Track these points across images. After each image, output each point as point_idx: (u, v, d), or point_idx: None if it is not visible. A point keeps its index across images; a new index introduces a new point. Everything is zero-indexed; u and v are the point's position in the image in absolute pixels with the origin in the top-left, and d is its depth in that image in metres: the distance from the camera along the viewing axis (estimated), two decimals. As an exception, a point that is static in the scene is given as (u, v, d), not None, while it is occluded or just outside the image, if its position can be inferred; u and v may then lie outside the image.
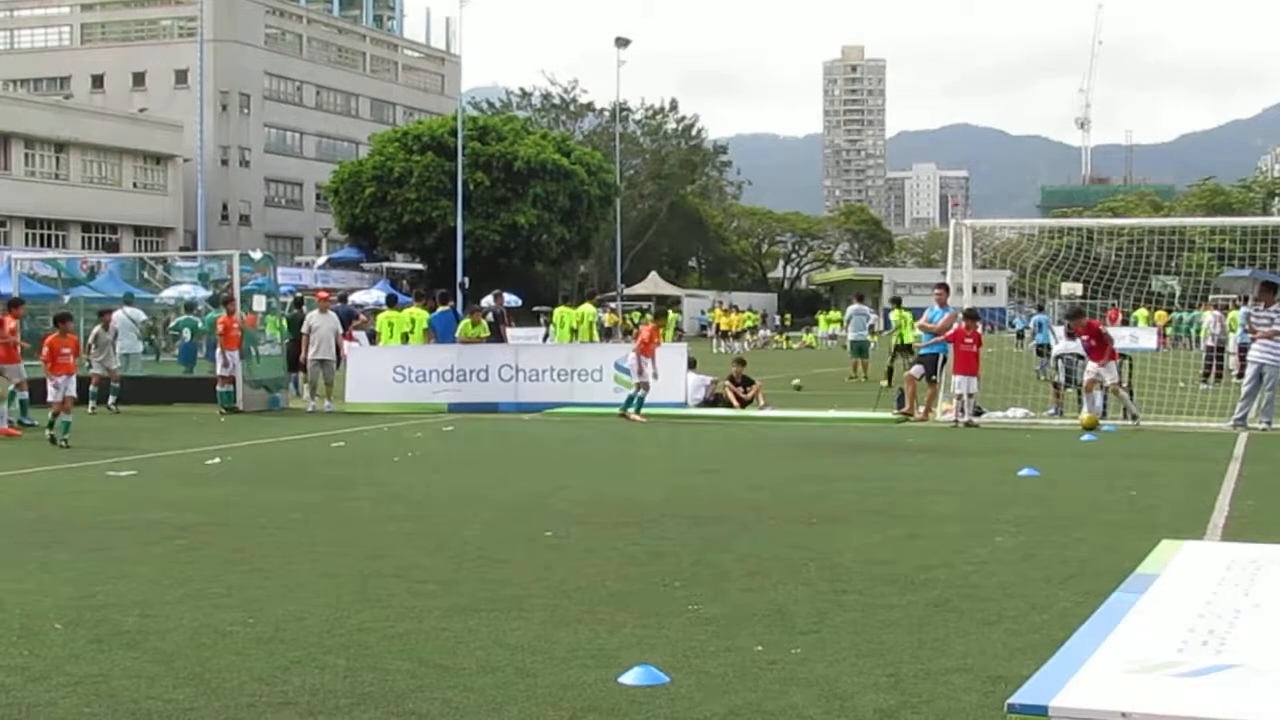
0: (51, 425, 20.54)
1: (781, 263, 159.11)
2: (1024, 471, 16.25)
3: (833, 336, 69.37)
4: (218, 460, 18.42)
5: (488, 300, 47.09)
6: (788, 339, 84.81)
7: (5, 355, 23.35)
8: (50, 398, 20.72)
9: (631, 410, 24.48)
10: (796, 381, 34.81)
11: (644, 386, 24.73)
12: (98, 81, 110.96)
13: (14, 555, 11.07)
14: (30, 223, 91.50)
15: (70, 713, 6.68)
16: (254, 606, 9.01)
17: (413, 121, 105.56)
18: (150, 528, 12.42)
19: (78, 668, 7.50)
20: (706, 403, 26.93)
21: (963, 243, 26.53)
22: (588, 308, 47.23)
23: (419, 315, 29.88)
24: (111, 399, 27.01)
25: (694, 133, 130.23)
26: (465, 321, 29.50)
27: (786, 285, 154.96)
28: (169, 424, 23.68)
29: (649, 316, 29.52)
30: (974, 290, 27.68)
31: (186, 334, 34.28)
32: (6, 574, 10.21)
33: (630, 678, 7.16)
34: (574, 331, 42.73)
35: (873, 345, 42.33)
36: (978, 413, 23.59)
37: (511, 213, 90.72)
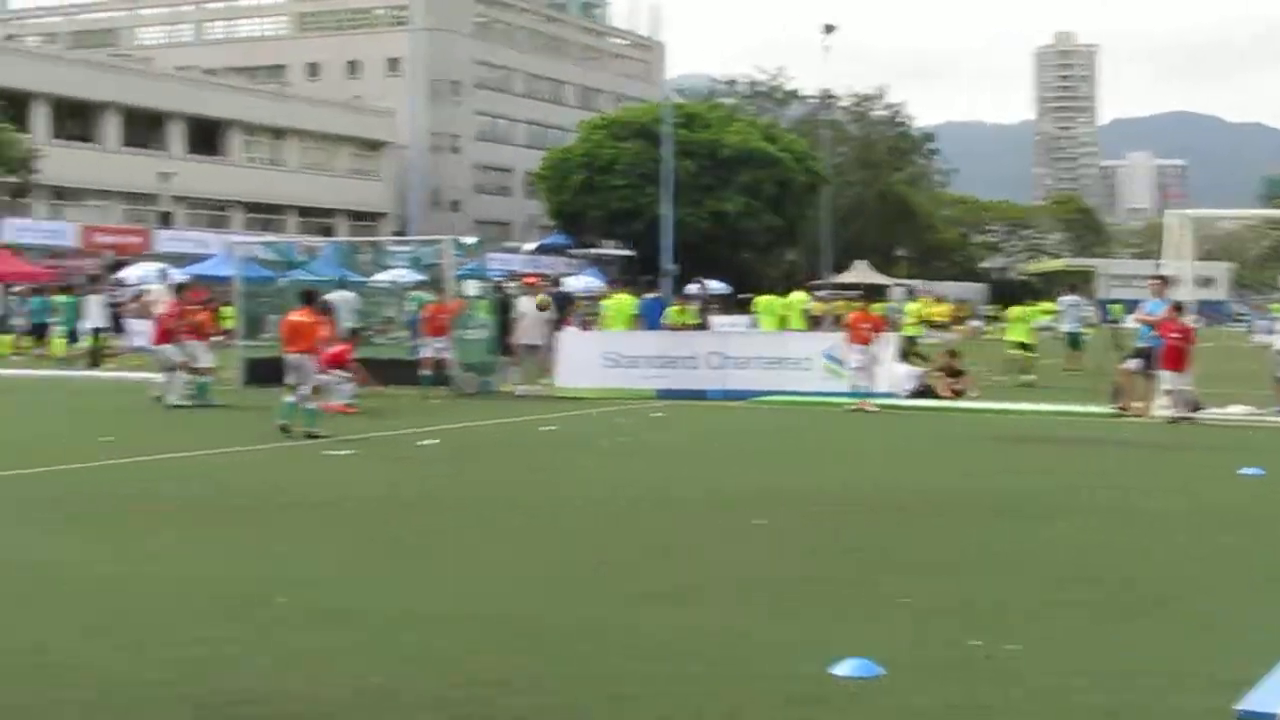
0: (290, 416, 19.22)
1: (992, 252, 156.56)
2: (1246, 470, 15.75)
3: (1046, 329, 67.92)
4: (431, 442, 18.72)
5: (694, 287, 47.18)
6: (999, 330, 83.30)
7: (192, 332, 24.14)
8: (295, 380, 19.33)
9: (862, 401, 24.11)
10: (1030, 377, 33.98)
11: (863, 375, 24.39)
12: (313, 70, 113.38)
13: (234, 530, 11.37)
14: (249, 207, 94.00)
15: (294, 685, 6.83)
16: (456, 588, 9.14)
17: (620, 109, 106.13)
18: (364, 506, 12.67)
19: (297, 641, 7.67)
20: (916, 394, 26.61)
21: (1180, 233, 25.83)
22: (798, 295, 46.97)
23: (626, 301, 30.03)
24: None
25: (901, 120, 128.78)
26: (673, 308, 29.56)
27: (996, 275, 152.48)
28: (383, 405, 24.09)
29: (856, 305, 29.34)
30: (1192, 283, 26.91)
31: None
32: (229, 549, 10.49)
33: (844, 669, 7.09)
34: (783, 319, 42.53)
35: (1087, 338, 41.43)
36: (1195, 408, 22.94)
37: (718, 200, 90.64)
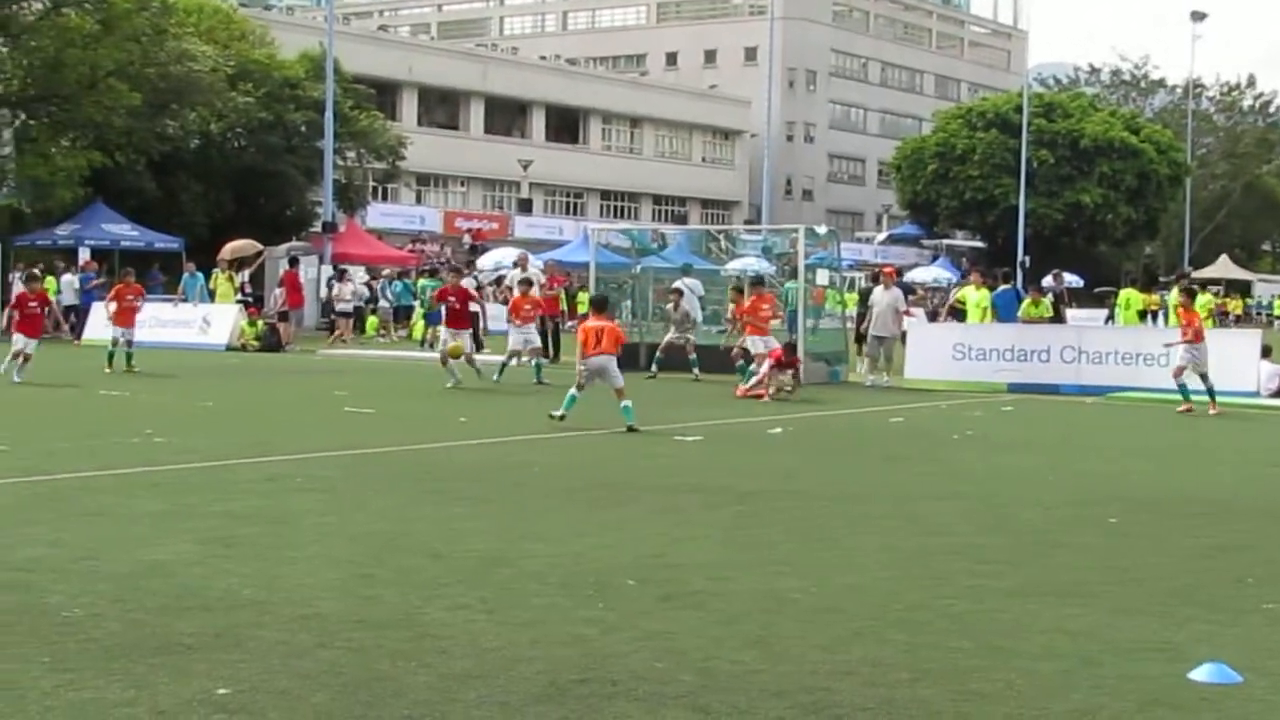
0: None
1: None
2: None
3: None
4: (780, 430, 18.81)
5: (1048, 280, 46.17)
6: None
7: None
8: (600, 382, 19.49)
9: (1188, 401, 23.00)
10: None
11: (1185, 373, 22.95)
12: (671, 59, 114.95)
13: (591, 512, 11.64)
14: (605, 194, 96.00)
15: (641, 666, 6.95)
16: (815, 575, 9.15)
17: (977, 98, 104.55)
18: (716, 492, 12.82)
19: (648, 623, 7.80)
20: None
21: None
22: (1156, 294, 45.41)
23: (981, 294, 29.59)
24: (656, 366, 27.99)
25: (1272, 110, 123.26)
26: (1027, 301, 29.02)
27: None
28: (728, 394, 24.24)
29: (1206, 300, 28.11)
30: None
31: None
32: (584, 530, 10.75)
33: (1200, 674, 6.86)
34: (1141, 315, 41.20)
35: None
36: None
37: (1075, 191, 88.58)
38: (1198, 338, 22.38)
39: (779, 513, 11.71)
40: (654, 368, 27.83)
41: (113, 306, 27.61)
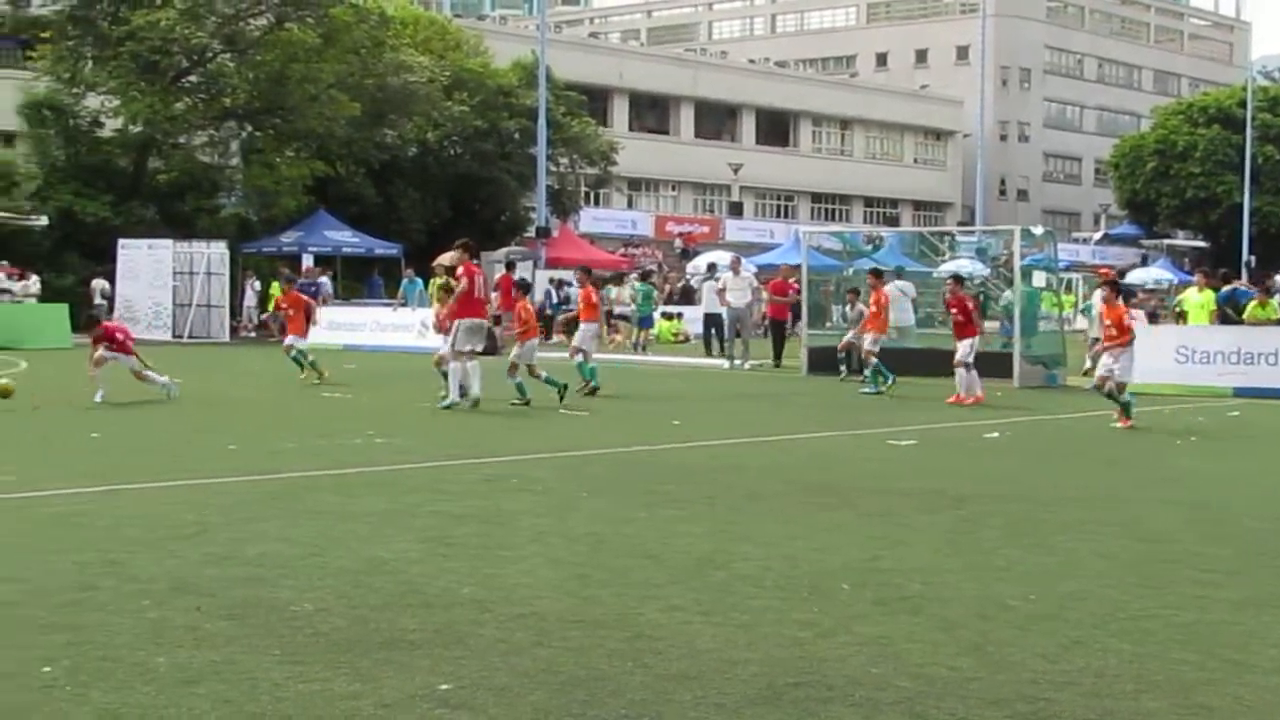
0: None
1: None
2: None
3: None
4: (996, 434, 18.55)
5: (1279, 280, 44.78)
6: None
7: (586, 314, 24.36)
8: None
9: None
10: None
11: None
12: (881, 59, 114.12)
13: (805, 515, 11.62)
14: (815, 197, 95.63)
15: (857, 670, 6.92)
16: (1034, 582, 9.01)
17: (1198, 93, 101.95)
18: (931, 496, 12.69)
19: (863, 628, 7.76)
20: None
21: None
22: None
23: (1205, 296, 28.82)
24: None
25: None
26: (1253, 303, 28.18)
27: None
28: (943, 395, 23.95)
29: None
30: None
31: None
32: (797, 533, 10.72)
33: None
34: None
35: None
36: None
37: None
38: None
39: (996, 517, 11.55)
40: (842, 370, 27.54)
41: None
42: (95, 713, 6.12)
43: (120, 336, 21.59)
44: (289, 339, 26.05)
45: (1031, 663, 7.09)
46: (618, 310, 43.17)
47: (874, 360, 24.92)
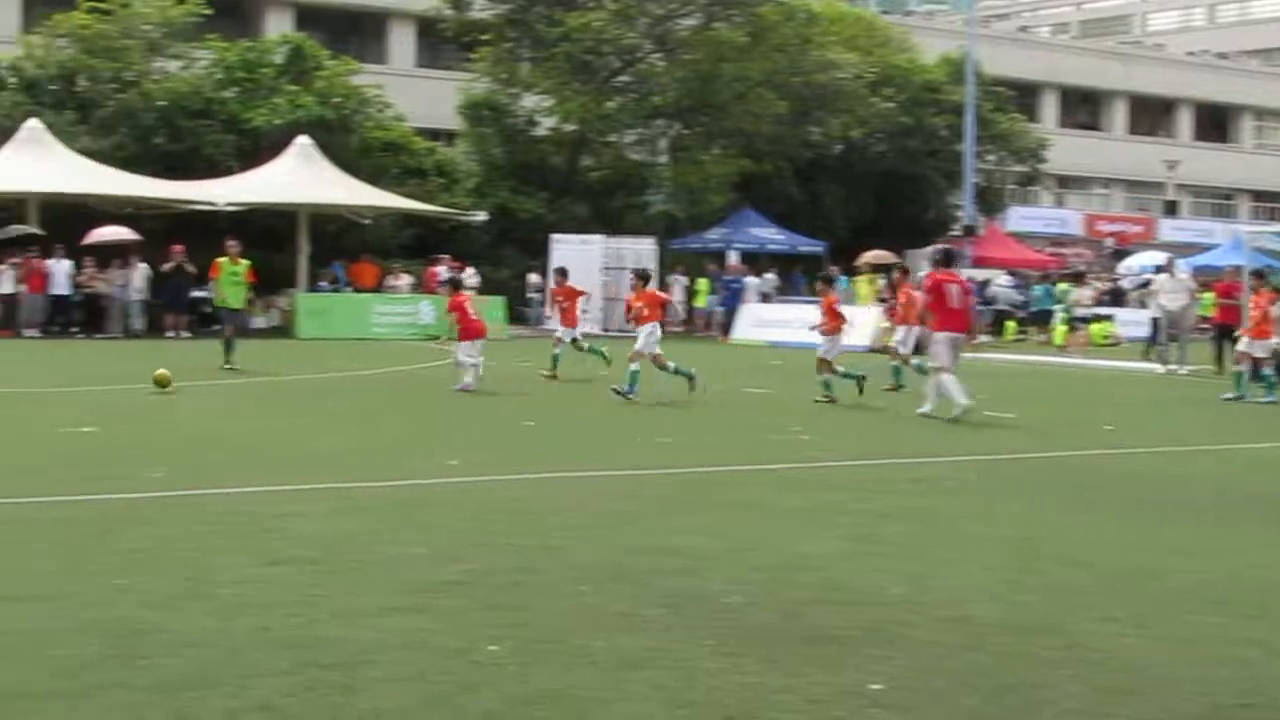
0: None
1: None
2: None
3: None
4: None
5: None
6: None
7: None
8: None
9: None
10: None
11: None
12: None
13: (1244, 528, 11.13)
14: (1257, 195, 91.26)
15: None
16: None
17: None
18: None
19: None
20: None
21: None
22: None
23: None
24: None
25: None
26: None
27: None
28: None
29: None
30: None
31: None
32: (1239, 546, 10.28)
33: None
34: None
35: None
36: None
37: None
38: None
39: None
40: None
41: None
42: (538, 692, 6.36)
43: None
44: (559, 331, 25.53)
45: None
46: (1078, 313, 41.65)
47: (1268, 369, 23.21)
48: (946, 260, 20.76)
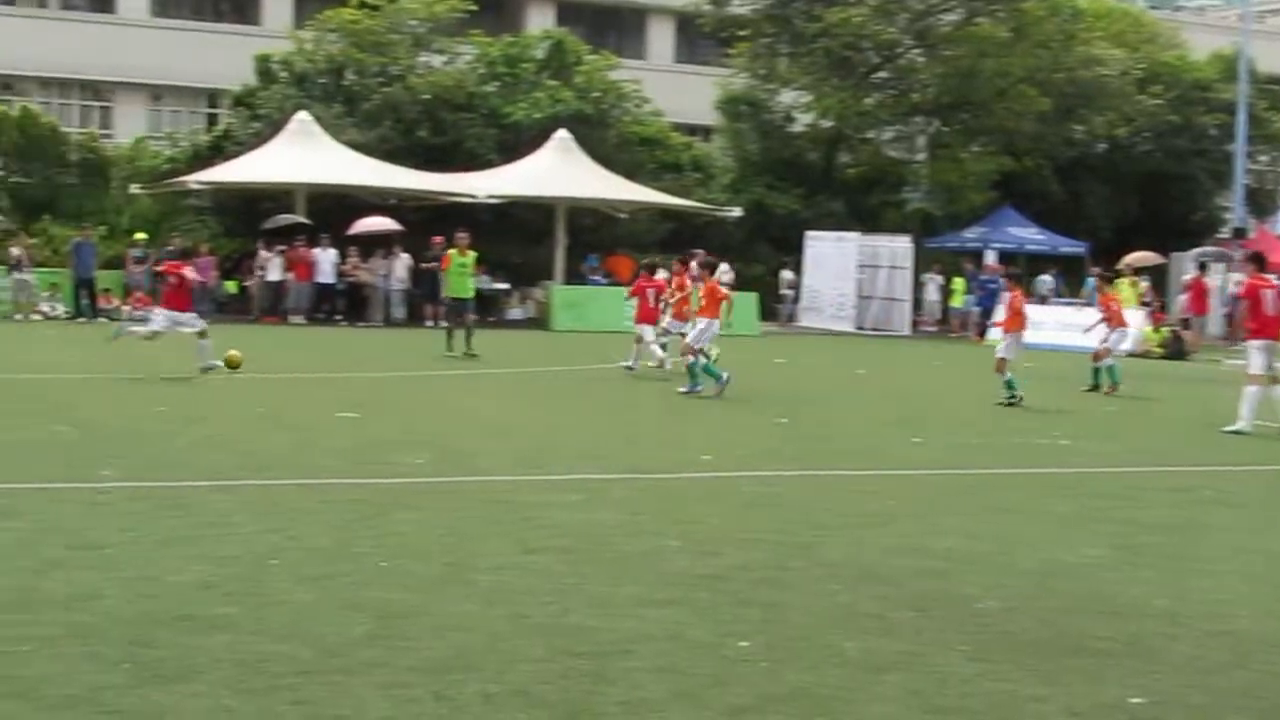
0: None
1: None
2: None
3: None
4: None
5: None
6: None
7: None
8: None
9: None
10: None
11: None
12: None
13: None
14: None
15: None
16: None
17: None
18: None
19: None
20: None
21: None
22: None
23: None
24: None
25: None
26: None
27: None
28: None
29: None
30: None
31: None
32: None
33: None
34: None
35: None
36: None
37: None
38: None
39: None
40: None
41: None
42: (789, 690, 6.35)
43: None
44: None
45: None
46: None
47: None
48: (1259, 264, 18.93)
